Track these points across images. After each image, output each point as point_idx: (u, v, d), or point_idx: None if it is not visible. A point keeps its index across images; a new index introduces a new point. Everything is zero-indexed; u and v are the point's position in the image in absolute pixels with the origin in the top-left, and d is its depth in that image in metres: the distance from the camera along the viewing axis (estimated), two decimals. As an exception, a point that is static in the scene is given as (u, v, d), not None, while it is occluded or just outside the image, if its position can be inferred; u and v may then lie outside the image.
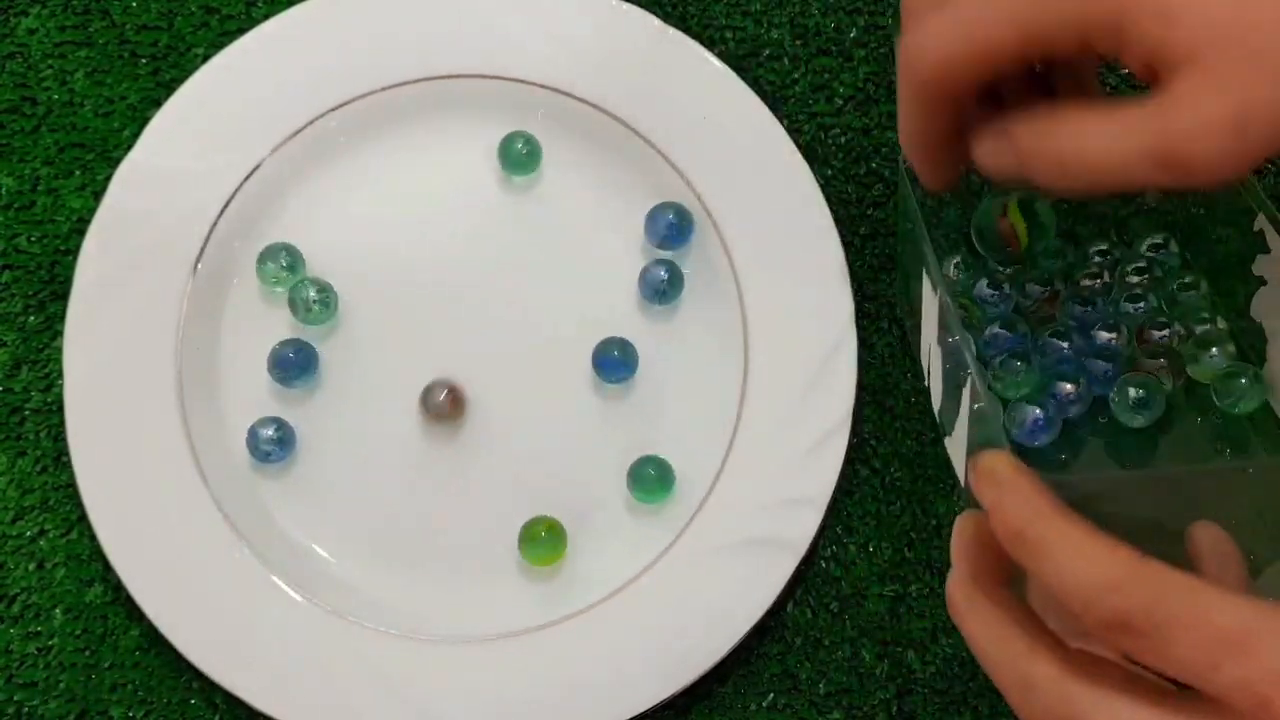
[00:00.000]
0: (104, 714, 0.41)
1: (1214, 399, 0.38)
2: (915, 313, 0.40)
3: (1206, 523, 0.31)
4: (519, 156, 0.43)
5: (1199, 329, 0.39)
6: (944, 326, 0.36)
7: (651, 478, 0.41)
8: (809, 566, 0.42)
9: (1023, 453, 0.30)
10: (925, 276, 0.37)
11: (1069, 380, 0.38)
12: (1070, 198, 0.41)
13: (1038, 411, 0.37)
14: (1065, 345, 0.40)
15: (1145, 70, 0.28)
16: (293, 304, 0.42)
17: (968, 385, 0.34)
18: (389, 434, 0.43)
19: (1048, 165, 0.29)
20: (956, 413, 0.36)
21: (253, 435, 0.41)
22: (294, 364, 0.42)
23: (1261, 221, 0.38)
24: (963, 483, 0.36)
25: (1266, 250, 0.38)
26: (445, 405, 0.42)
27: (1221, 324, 0.40)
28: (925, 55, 0.30)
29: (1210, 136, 0.27)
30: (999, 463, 0.28)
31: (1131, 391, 0.38)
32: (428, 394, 0.42)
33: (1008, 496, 0.27)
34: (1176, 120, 0.27)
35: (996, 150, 0.31)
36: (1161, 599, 0.24)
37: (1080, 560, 0.25)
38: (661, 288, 0.43)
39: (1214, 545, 0.31)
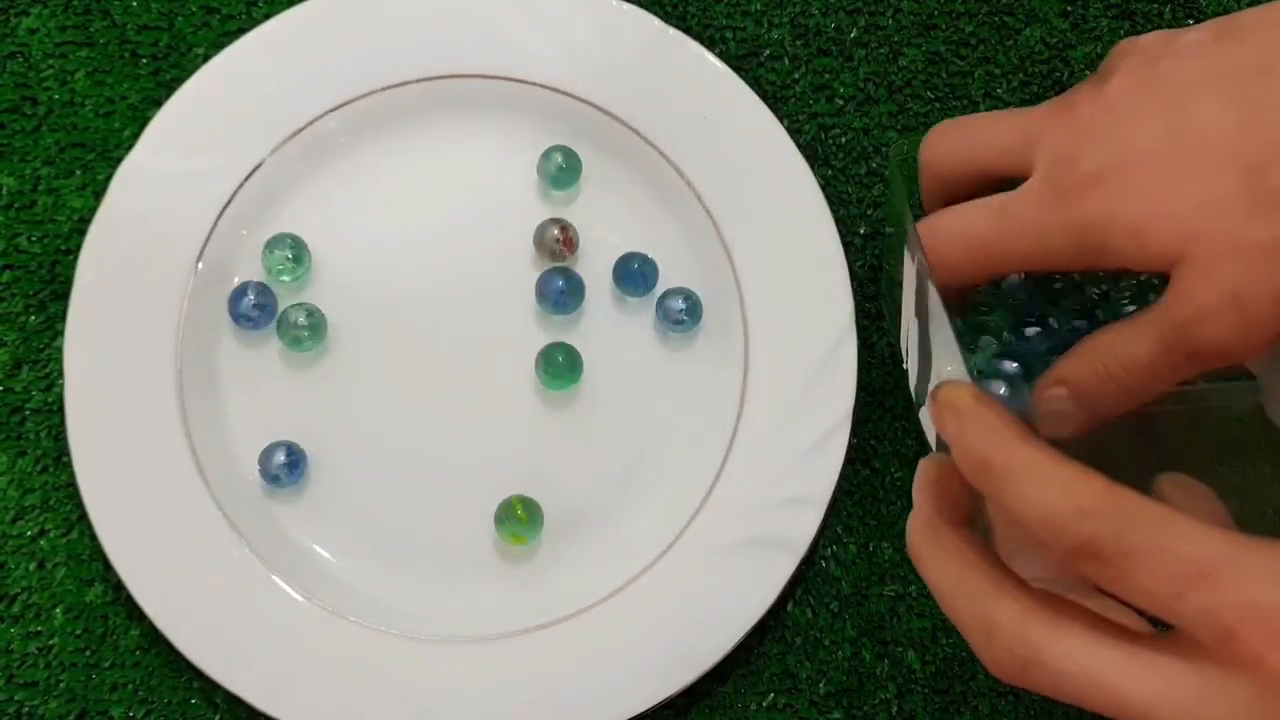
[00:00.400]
0: (104, 714, 0.41)
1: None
2: (896, 292, 0.40)
3: (1173, 475, 0.31)
4: (558, 171, 0.44)
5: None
6: (920, 295, 0.36)
7: (560, 364, 0.42)
8: (809, 566, 0.42)
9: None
10: (905, 250, 0.37)
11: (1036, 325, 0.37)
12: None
13: (1004, 387, 0.36)
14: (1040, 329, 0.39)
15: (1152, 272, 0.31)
16: (280, 328, 0.42)
17: (939, 338, 0.33)
18: (390, 435, 0.43)
19: (1099, 383, 0.31)
20: (929, 380, 0.35)
21: (263, 466, 0.41)
22: (285, 467, 0.41)
23: None
24: (933, 445, 0.35)
25: None
26: (560, 244, 0.42)
27: None
28: (941, 266, 0.34)
29: (1214, 321, 0.29)
30: (960, 394, 0.28)
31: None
32: (543, 232, 0.43)
33: (970, 426, 0.27)
34: (1180, 314, 0.29)
35: (1060, 410, 0.32)
36: (1130, 527, 0.24)
37: (1048, 486, 0.25)
38: (679, 317, 0.43)
39: (1184, 494, 0.30)
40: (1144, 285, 0.41)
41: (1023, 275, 0.39)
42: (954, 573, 0.27)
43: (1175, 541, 0.24)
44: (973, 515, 0.29)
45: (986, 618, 0.26)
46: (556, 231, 0.43)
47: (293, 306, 0.42)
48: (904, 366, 0.40)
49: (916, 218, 0.37)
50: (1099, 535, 0.24)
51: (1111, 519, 0.24)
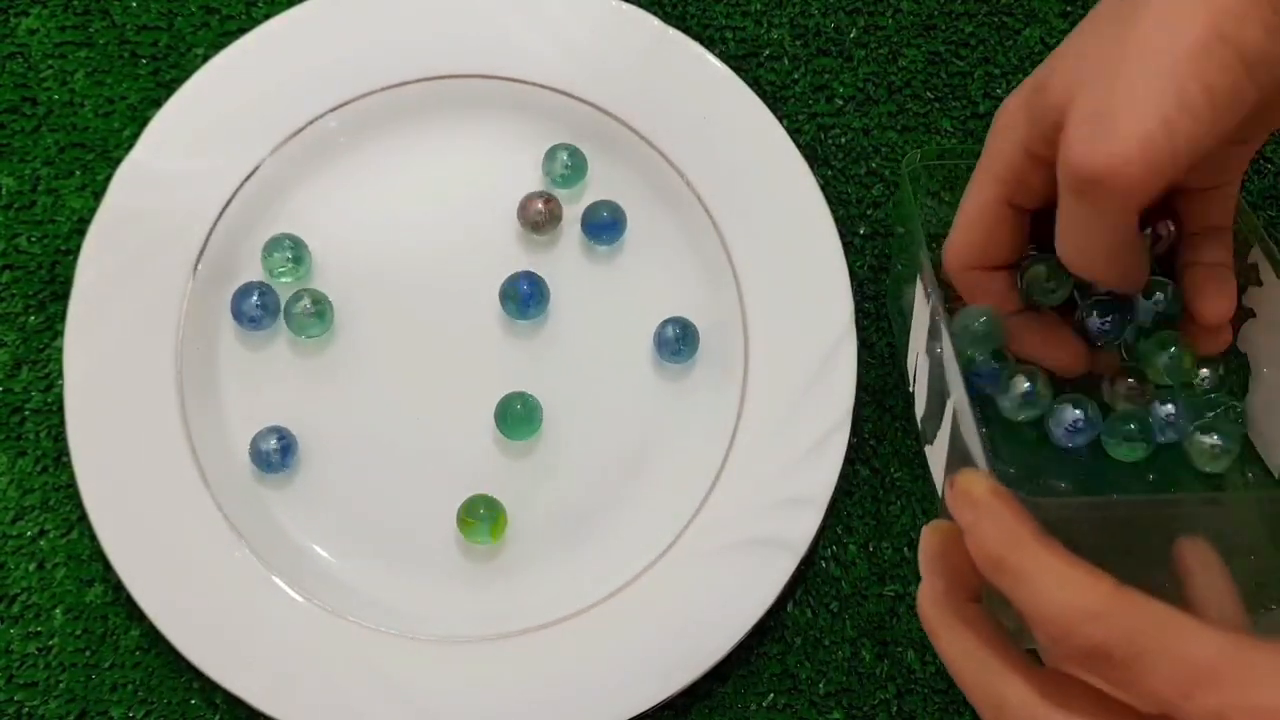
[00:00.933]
0: (104, 714, 0.41)
1: (1195, 445, 0.37)
2: (905, 318, 0.40)
3: (1193, 538, 0.31)
4: (565, 170, 0.44)
5: (1171, 350, 0.38)
6: (933, 335, 0.36)
7: (518, 413, 0.41)
8: (809, 566, 0.42)
9: (1009, 480, 0.30)
10: (919, 282, 0.37)
11: (1076, 405, 0.37)
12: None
13: (1078, 412, 0.36)
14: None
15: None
16: (288, 316, 0.42)
17: (951, 400, 0.34)
18: (390, 435, 0.43)
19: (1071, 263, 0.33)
20: (939, 424, 0.35)
21: (255, 447, 0.41)
22: (275, 453, 0.41)
23: (1256, 254, 0.38)
24: (940, 493, 0.36)
25: (1259, 283, 0.38)
26: (543, 214, 0.42)
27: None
28: (950, 263, 0.36)
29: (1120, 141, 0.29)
30: (977, 484, 0.28)
31: (1123, 426, 0.37)
32: (525, 206, 0.43)
33: (985, 520, 0.27)
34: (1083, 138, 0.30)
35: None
36: (1138, 630, 0.24)
37: (1059, 589, 0.25)
38: (675, 347, 0.42)
39: (1200, 560, 0.31)
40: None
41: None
42: (966, 649, 0.28)
43: (1182, 644, 0.24)
44: (980, 587, 0.30)
45: (998, 695, 0.27)
46: (540, 204, 0.43)
47: (298, 293, 0.42)
48: (910, 389, 0.40)
49: (931, 249, 0.37)
50: (1108, 639, 0.25)
51: (1119, 622, 0.25)
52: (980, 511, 0.27)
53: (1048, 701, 0.26)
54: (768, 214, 0.43)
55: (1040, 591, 0.26)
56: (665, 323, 0.43)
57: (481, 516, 0.41)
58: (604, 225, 0.43)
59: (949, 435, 0.35)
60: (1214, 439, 0.37)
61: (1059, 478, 0.37)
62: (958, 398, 0.33)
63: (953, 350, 0.34)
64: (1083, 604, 0.25)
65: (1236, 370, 0.40)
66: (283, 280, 0.43)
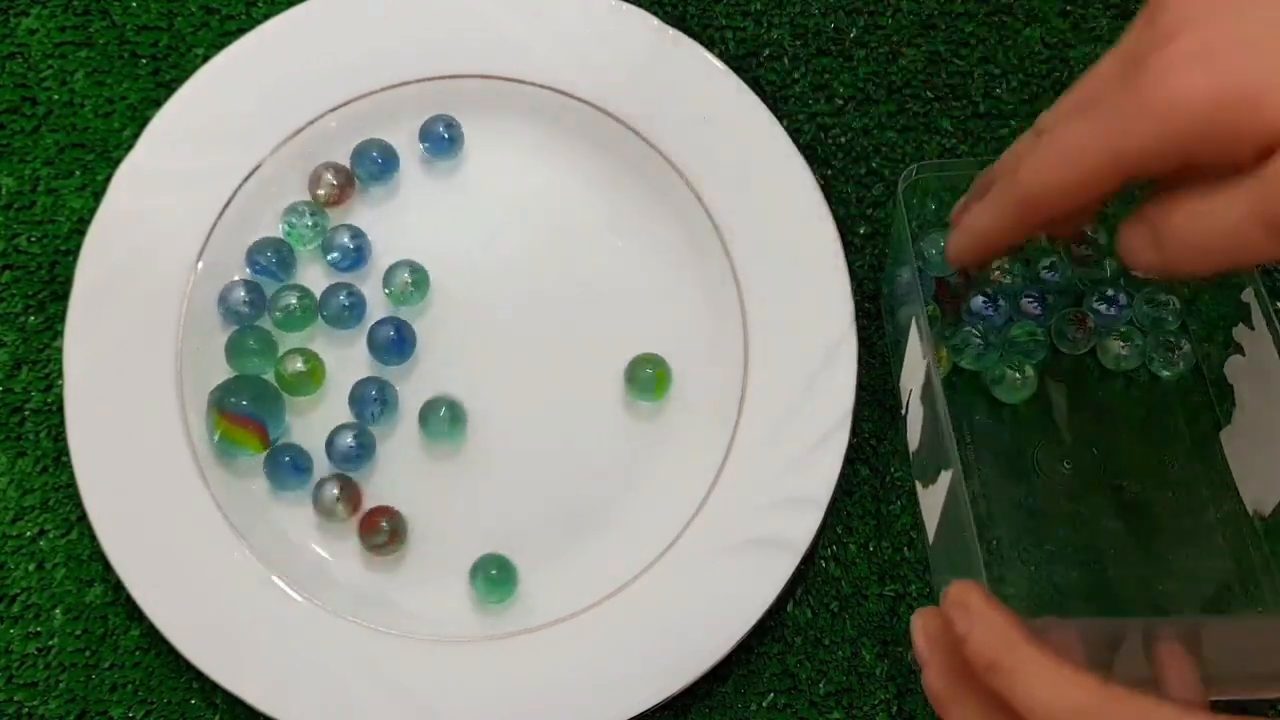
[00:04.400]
0: (104, 714, 0.41)
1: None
2: (900, 339, 0.41)
3: (1168, 641, 0.34)
4: (439, 139, 0.44)
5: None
6: (927, 398, 0.38)
7: (493, 577, 0.41)
8: (809, 566, 0.42)
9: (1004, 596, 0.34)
10: (914, 328, 0.39)
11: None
12: (1204, 279, 0.43)
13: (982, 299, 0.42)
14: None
15: (1258, 157, 0.28)
16: (387, 282, 0.43)
17: (950, 472, 0.36)
18: (390, 435, 0.43)
19: (1182, 248, 0.30)
20: (936, 480, 0.38)
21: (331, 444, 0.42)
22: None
23: (1249, 295, 0.39)
24: (931, 540, 0.40)
25: (1250, 325, 0.39)
26: (336, 504, 0.41)
27: (1185, 344, 0.42)
28: (1033, 185, 0.32)
29: None
30: (971, 595, 0.30)
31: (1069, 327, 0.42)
32: (320, 491, 0.41)
33: (979, 628, 0.30)
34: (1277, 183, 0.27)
35: (1142, 246, 0.31)
36: None
37: (1049, 688, 0.28)
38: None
39: (1175, 656, 0.34)
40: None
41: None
42: (983, 712, 0.30)
43: None
44: None
45: None
46: (330, 175, 0.43)
47: (396, 264, 0.43)
48: (902, 413, 0.42)
49: (920, 270, 0.38)
50: None
51: (1102, 716, 0.27)
52: (974, 619, 0.30)
53: None
54: (768, 214, 0.43)
55: (1033, 690, 0.28)
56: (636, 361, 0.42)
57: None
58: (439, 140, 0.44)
59: (944, 524, 0.38)
60: (1120, 346, 0.41)
61: (1042, 542, 0.40)
62: (958, 488, 0.36)
63: (952, 434, 0.36)
64: (1071, 701, 0.28)
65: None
66: (307, 248, 0.43)
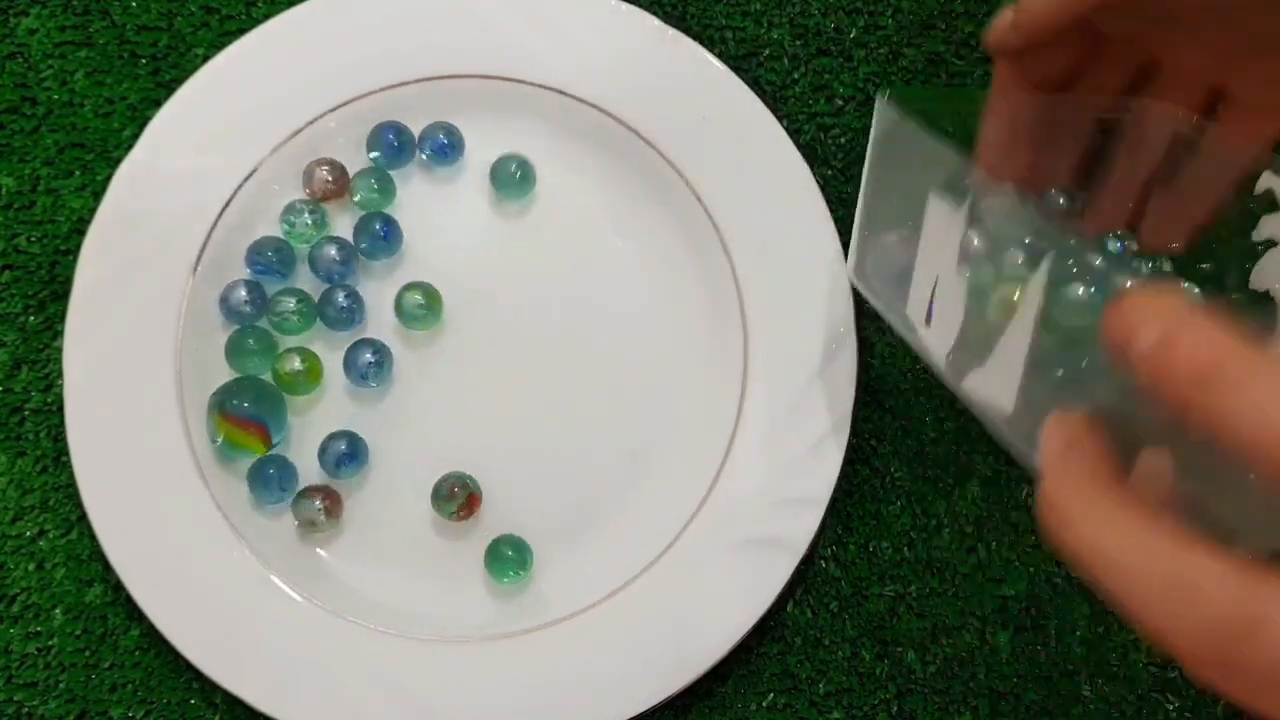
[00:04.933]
0: (104, 714, 0.41)
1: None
2: (903, 252, 0.37)
3: None
4: (510, 179, 0.44)
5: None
6: (969, 236, 0.34)
7: (509, 557, 0.41)
8: (809, 566, 0.42)
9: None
10: (934, 199, 0.35)
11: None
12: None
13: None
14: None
15: None
16: (398, 307, 0.42)
17: (1038, 276, 0.30)
18: (390, 436, 0.43)
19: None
20: (988, 344, 0.32)
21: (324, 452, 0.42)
22: (346, 455, 0.41)
23: (1269, 179, 0.36)
24: (945, 381, 0.34)
25: (1276, 208, 0.36)
26: (319, 514, 0.41)
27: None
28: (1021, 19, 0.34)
29: None
30: (1165, 298, 0.23)
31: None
32: (299, 502, 0.41)
33: (1189, 326, 0.23)
34: None
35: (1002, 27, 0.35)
36: None
37: None
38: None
39: None
40: None
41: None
42: (1128, 535, 0.23)
43: None
44: (1121, 474, 0.26)
45: (1181, 579, 0.22)
46: (325, 171, 0.43)
47: (409, 286, 0.43)
48: (917, 333, 0.37)
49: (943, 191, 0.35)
50: None
51: None
52: (1182, 320, 0.23)
53: (1253, 573, 0.21)
54: (768, 214, 0.43)
55: (1265, 400, 0.21)
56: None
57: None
58: (441, 146, 0.44)
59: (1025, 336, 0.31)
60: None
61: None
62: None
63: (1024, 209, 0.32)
64: None
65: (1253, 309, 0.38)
66: (302, 246, 0.43)
